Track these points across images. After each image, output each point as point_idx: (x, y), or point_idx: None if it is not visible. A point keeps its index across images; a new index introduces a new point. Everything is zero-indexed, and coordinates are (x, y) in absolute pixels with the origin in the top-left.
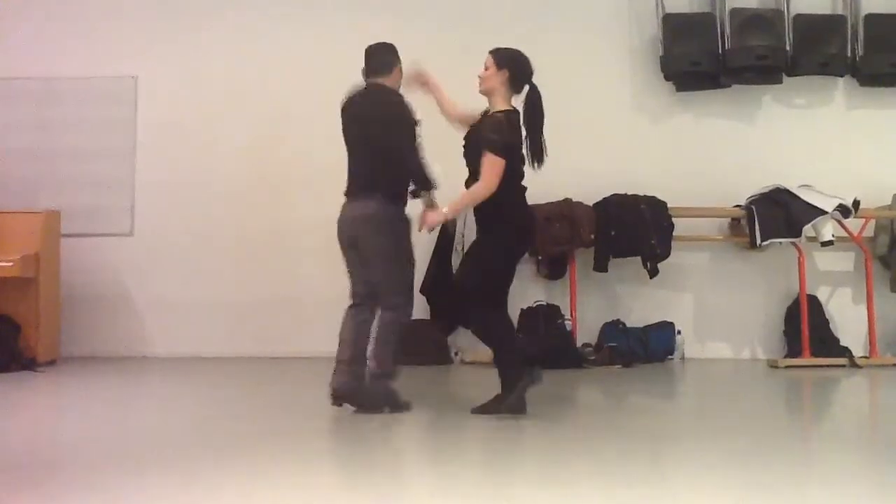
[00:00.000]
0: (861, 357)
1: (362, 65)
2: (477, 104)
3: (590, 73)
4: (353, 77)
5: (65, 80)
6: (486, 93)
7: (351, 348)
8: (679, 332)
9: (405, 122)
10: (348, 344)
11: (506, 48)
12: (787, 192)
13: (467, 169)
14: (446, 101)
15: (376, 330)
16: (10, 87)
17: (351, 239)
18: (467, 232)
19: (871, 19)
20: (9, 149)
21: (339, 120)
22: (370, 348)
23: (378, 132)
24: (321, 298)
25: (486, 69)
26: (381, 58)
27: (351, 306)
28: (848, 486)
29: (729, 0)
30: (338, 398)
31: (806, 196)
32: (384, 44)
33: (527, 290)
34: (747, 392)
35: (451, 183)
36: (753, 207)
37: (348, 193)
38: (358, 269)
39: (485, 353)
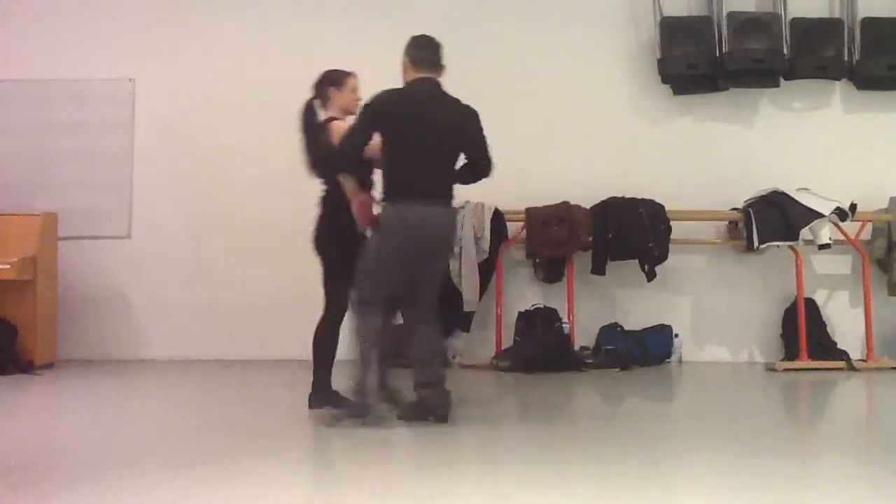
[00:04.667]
0: (858, 360)
1: (421, 54)
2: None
3: (587, 76)
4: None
5: (62, 83)
6: None
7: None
8: (677, 336)
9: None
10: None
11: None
12: (784, 195)
13: None
14: None
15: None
16: (7, 89)
17: (434, 241)
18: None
19: (868, 23)
20: (6, 151)
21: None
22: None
23: (456, 132)
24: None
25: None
26: (438, 52)
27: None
28: (845, 489)
29: (726, 3)
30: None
31: (803, 199)
32: (432, 38)
33: (524, 293)
34: (745, 395)
35: None
36: (751, 210)
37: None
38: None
39: (483, 356)
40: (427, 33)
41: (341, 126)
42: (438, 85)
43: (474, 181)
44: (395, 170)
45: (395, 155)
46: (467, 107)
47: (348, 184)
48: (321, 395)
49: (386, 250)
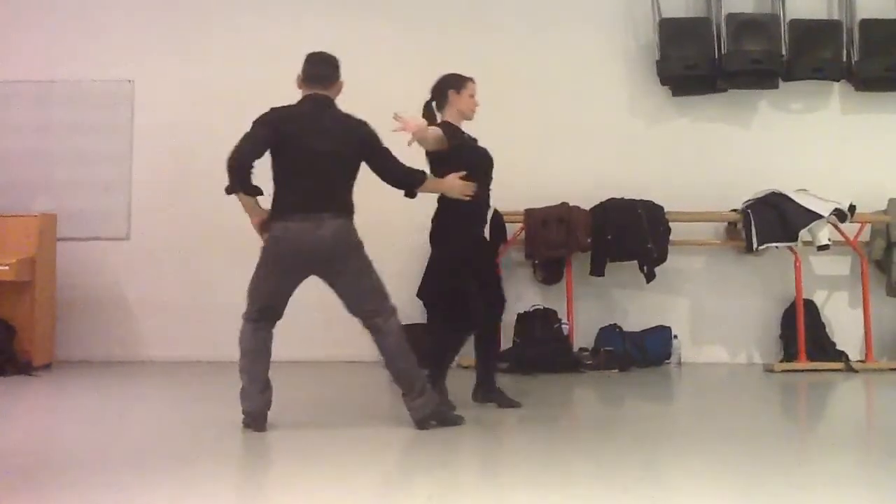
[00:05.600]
0: (857, 361)
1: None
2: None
3: (586, 77)
4: (353, 80)
5: (61, 84)
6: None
7: None
8: (676, 337)
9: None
10: None
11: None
12: (783, 196)
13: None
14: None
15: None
16: (6, 91)
17: (319, 252)
18: None
19: (866, 24)
20: (5, 152)
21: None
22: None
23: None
24: (320, 302)
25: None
26: (327, 68)
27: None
28: (844, 491)
29: (725, 5)
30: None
31: (802, 200)
32: (325, 54)
33: (523, 295)
34: (743, 396)
35: None
36: (750, 212)
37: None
38: None
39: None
40: (322, 50)
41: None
42: (327, 100)
43: (408, 190)
44: (279, 185)
45: (278, 170)
46: (358, 121)
47: (243, 199)
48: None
49: (270, 264)
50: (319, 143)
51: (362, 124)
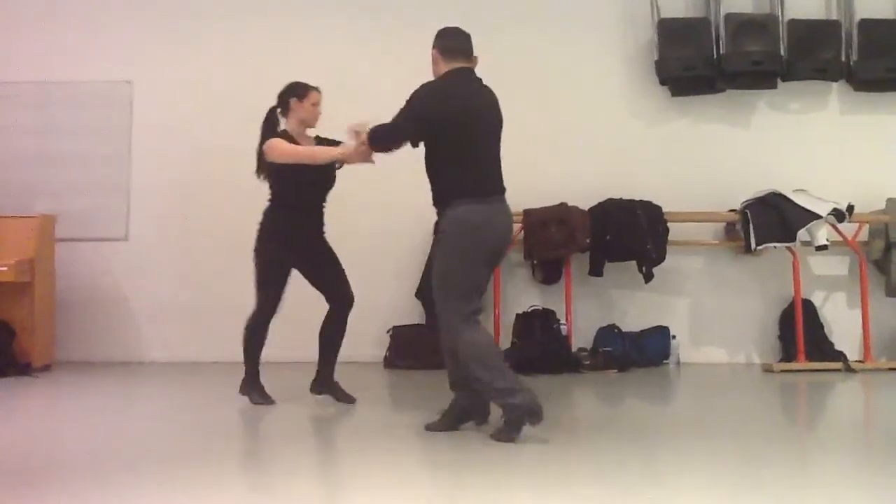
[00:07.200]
0: (856, 361)
1: (455, 44)
2: None
3: (585, 77)
4: (350, 80)
5: (60, 85)
6: None
7: None
8: (674, 337)
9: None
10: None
11: None
12: (781, 196)
13: None
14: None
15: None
16: (5, 91)
17: (507, 239)
18: None
19: (866, 24)
20: (5, 153)
21: (447, 112)
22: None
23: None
24: (320, 303)
25: None
26: (469, 42)
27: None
28: (842, 490)
29: (724, 5)
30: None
31: (801, 200)
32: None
33: (522, 295)
34: (742, 396)
35: None
36: (748, 212)
37: (494, 192)
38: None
39: None
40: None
41: (278, 145)
42: (475, 74)
43: None
44: (462, 169)
45: (456, 153)
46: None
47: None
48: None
49: (471, 253)
50: (488, 120)
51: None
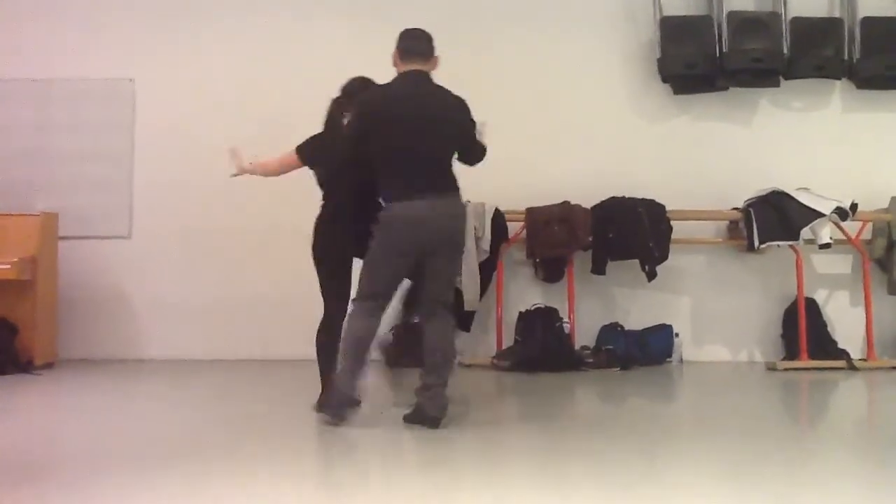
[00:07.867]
0: (859, 360)
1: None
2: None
3: (587, 75)
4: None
5: (62, 82)
6: None
7: None
8: (677, 335)
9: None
10: None
11: None
12: (784, 194)
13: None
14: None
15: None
16: (7, 89)
17: (442, 240)
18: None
19: (868, 22)
20: (6, 150)
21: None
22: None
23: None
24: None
25: None
26: (428, 43)
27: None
28: (845, 488)
29: (726, 3)
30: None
31: (803, 199)
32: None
33: (525, 293)
34: (745, 395)
35: None
36: (751, 210)
37: (425, 192)
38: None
39: (483, 355)
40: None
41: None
42: (428, 76)
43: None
44: (392, 169)
45: (388, 154)
46: (457, 97)
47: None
48: None
49: (387, 249)
50: (429, 121)
51: (463, 101)
